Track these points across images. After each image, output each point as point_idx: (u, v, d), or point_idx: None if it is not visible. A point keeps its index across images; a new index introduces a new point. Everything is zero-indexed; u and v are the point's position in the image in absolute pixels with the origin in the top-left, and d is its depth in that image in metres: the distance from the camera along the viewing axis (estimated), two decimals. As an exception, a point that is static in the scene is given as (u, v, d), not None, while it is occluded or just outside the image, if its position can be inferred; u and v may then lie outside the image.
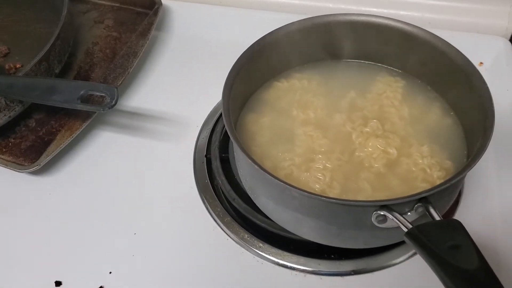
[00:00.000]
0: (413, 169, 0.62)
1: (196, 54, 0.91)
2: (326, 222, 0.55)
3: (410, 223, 0.49)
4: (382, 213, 0.51)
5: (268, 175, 0.53)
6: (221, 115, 0.79)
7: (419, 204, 0.51)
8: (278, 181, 0.52)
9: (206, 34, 0.94)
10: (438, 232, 0.46)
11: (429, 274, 0.58)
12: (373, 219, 0.52)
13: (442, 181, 0.59)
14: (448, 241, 0.45)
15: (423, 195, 0.51)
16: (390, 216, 0.50)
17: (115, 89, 0.65)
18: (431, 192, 0.51)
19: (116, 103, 0.65)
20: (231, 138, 0.57)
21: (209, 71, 0.87)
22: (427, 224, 0.48)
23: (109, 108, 0.64)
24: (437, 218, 0.49)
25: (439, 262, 0.43)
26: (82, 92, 0.66)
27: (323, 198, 0.51)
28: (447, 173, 0.61)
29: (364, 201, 0.54)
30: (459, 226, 0.46)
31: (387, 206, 0.51)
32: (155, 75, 0.88)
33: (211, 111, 0.81)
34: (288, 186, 0.52)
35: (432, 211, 0.50)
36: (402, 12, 0.91)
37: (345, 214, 0.53)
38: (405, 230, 0.48)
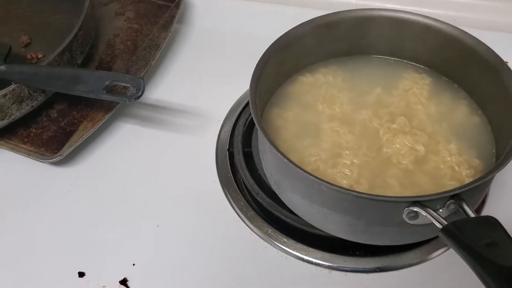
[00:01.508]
0: (441, 166, 0.61)
1: (218, 48, 0.91)
2: (355, 217, 0.55)
3: (444, 219, 0.48)
4: (414, 209, 0.50)
5: (298, 168, 0.52)
6: (243, 109, 0.79)
7: (451, 201, 0.51)
8: (308, 175, 0.52)
9: (228, 28, 0.93)
10: (475, 229, 0.45)
11: (456, 273, 0.59)
12: (404, 215, 0.51)
13: (471, 179, 0.58)
14: (485, 238, 0.44)
15: (457, 191, 0.50)
16: (423, 212, 0.50)
17: (141, 80, 0.64)
18: (465, 189, 0.50)
19: (142, 94, 0.64)
20: (260, 130, 0.56)
21: (230, 65, 0.87)
22: (462, 220, 0.47)
23: (135, 99, 0.64)
24: (472, 215, 0.48)
25: (477, 259, 0.42)
26: (107, 83, 0.66)
27: (355, 193, 0.50)
28: (475, 171, 0.60)
29: (397, 197, 0.54)
30: (495, 223, 0.45)
31: (420, 202, 0.50)
32: (176, 68, 0.87)
33: (232, 105, 0.80)
34: (319, 180, 0.51)
35: (466, 208, 0.49)
36: (425, 10, 0.91)
37: (375, 210, 0.53)
38: (440, 226, 0.47)
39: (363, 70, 0.72)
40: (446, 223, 0.47)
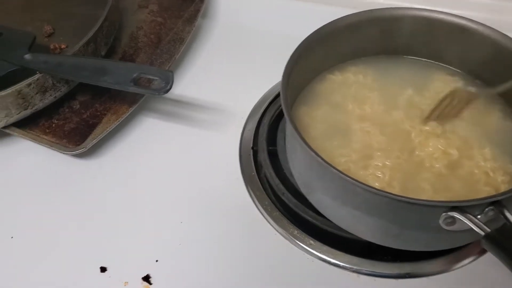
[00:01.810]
0: (475, 171, 0.59)
1: (241, 44, 0.89)
2: (389, 221, 0.53)
3: (485, 226, 0.47)
4: (453, 214, 0.48)
5: (333, 169, 0.51)
6: (268, 106, 0.77)
7: (490, 207, 0.49)
8: (344, 176, 0.50)
9: (252, 24, 0.92)
10: (521, 237, 0.44)
11: (488, 281, 0.57)
12: (441, 221, 0.50)
13: (506, 185, 0.57)
14: (532, 247, 0.42)
15: (498, 198, 0.48)
16: (463, 218, 0.48)
17: (171, 73, 0.63)
18: (507, 195, 0.48)
19: (171, 87, 0.63)
20: (292, 129, 0.55)
21: (254, 61, 0.86)
22: (506, 227, 0.45)
23: (164, 93, 0.63)
24: (515, 222, 0.47)
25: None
26: (135, 75, 0.65)
27: (393, 195, 0.49)
28: (511, 178, 0.59)
29: (436, 201, 0.52)
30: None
31: (460, 207, 0.48)
32: (199, 63, 0.86)
33: (256, 103, 0.79)
34: (356, 182, 0.50)
35: (508, 214, 0.48)
36: (455, 11, 0.88)
37: (412, 213, 0.51)
38: (482, 233, 0.46)
39: (393, 70, 0.71)
40: (488, 230, 0.46)
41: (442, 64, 0.71)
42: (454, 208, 0.49)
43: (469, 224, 0.47)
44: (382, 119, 0.65)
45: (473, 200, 0.48)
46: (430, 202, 0.50)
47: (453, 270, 0.60)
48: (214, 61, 0.86)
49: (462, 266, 0.60)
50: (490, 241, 0.44)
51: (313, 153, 0.52)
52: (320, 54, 0.68)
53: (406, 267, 0.60)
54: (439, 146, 0.61)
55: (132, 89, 0.65)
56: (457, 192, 0.58)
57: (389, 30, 0.70)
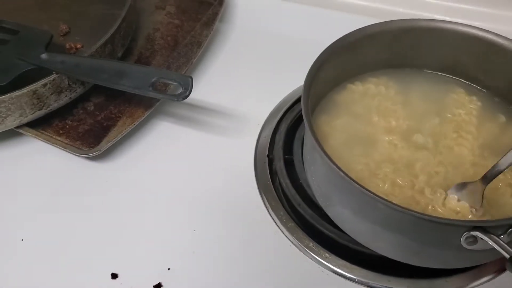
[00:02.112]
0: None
1: (259, 49, 0.88)
2: (409, 238, 0.52)
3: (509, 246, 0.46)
4: (475, 234, 0.47)
5: (355, 184, 0.50)
6: (285, 113, 0.77)
7: (513, 228, 0.48)
8: (366, 191, 0.49)
9: (270, 29, 0.91)
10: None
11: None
12: (462, 240, 0.49)
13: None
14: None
15: (522, 219, 0.47)
16: (486, 238, 0.47)
17: (190, 79, 0.62)
18: (532, 217, 0.47)
19: (190, 93, 0.62)
20: (313, 140, 0.53)
21: (271, 68, 0.85)
22: (531, 250, 0.44)
23: (183, 99, 0.62)
24: (539, 246, 0.46)
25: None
26: (154, 79, 0.64)
27: (415, 213, 0.47)
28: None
29: (458, 220, 0.51)
30: None
31: (482, 227, 0.47)
32: (216, 68, 0.85)
33: (273, 109, 0.78)
34: (377, 198, 0.49)
35: (533, 237, 0.46)
36: (476, 23, 0.87)
37: (433, 232, 0.50)
38: (507, 256, 0.45)
39: (415, 84, 0.69)
40: (513, 252, 0.45)
41: (463, 81, 0.70)
42: (477, 228, 0.47)
43: (493, 245, 0.46)
44: (406, 134, 0.63)
45: (496, 220, 0.48)
46: (452, 221, 0.49)
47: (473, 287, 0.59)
48: (231, 66, 0.85)
49: (480, 284, 0.59)
50: (517, 264, 0.43)
51: (334, 167, 0.51)
52: (342, 64, 0.67)
53: (422, 284, 0.59)
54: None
55: (152, 94, 0.64)
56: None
57: (411, 42, 0.68)
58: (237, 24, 0.92)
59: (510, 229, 0.48)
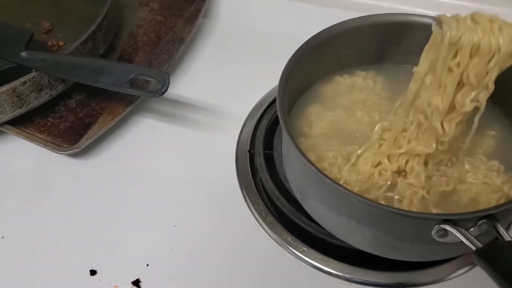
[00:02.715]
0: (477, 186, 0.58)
1: (242, 45, 0.88)
2: (383, 232, 0.53)
3: (477, 240, 0.46)
4: (445, 227, 0.48)
5: (328, 179, 0.50)
6: (266, 109, 0.77)
7: (484, 220, 0.49)
8: (339, 186, 0.50)
9: (254, 24, 0.91)
10: (512, 253, 0.43)
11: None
12: (433, 233, 0.49)
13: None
14: (524, 264, 0.42)
15: (492, 211, 0.48)
16: (454, 231, 0.47)
17: (167, 75, 0.63)
18: (500, 209, 0.48)
19: (167, 90, 0.62)
20: (287, 136, 0.54)
21: (254, 63, 0.85)
22: (498, 243, 0.45)
23: (159, 95, 0.62)
24: (508, 237, 0.46)
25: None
26: (131, 76, 0.64)
27: (387, 208, 0.48)
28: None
29: (429, 214, 0.52)
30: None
31: (452, 220, 0.48)
32: (198, 64, 0.85)
33: (255, 105, 0.78)
34: (350, 193, 0.49)
35: (500, 229, 0.47)
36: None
37: (406, 225, 0.51)
38: (473, 247, 0.45)
39: (403, 79, 0.68)
40: (480, 245, 0.45)
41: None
42: (447, 221, 0.48)
43: (461, 238, 0.47)
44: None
45: (465, 213, 0.48)
46: (422, 215, 0.50)
47: (446, 280, 0.60)
48: (214, 62, 0.86)
49: (455, 276, 0.60)
50: (482, 257, 0.44)
51: (307, 162, 0.52)
52: (323, 58, 0.67)
53: (399, 277, 0.59)
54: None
55: (129, 90, 0.64)
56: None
57: (394, 36, 0.68)
58: (221, 19, 0.93)
59: (480, 222, 0.49)
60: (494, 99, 0.59)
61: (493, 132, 0.63)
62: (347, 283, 0.59)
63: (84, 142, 0.68)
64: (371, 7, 0.92)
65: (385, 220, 0.51)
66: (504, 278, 0.41)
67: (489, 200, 0.57)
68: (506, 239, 0.47)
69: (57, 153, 0.69)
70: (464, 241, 0.47)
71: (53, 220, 0.65)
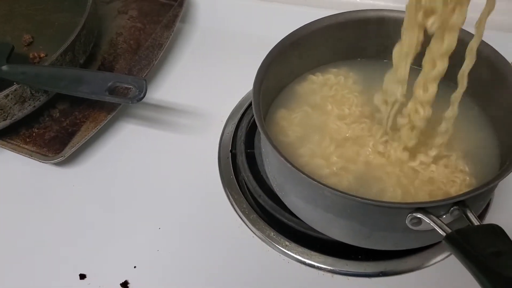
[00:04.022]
0: (444, 173, 0.60)
1: (221, 47, 0.90)
2: (358, 223, 0.54)
3: (447, 226, 0.48)
4: (417, 215, 0.50)
5: (301, 173, 0.52)
6: (246, 109, 0.78)
7: (455, 207, 0.50)
8: (311, 180, 0.51)
9: (232, 27, 0.92)
10: (480, 237, 0.45)
11: (459, 279, 0.58)
12: (407, 222, 0.51)
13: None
14: (490, 247, 0.43)
15: (461, 198, 0.49)
16: (426, 219, 0.49)
17: (144, 81, 0.64)
18: (469, 196, 0.50)
19: (144, 95, 0.64)
20: (262, 133, 0.56)
21: (234, 64, 0.86)
22: (466, 228, 0.47)
23: (137, 101, 0.64)
24: (476, 222, 0.48)
25: (482, 269, 0.42)
26: (110, 84, 0.66)
27: (359, 198, 0.50)
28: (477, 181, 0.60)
29: (401, 203, 0.53)
30: (500, 232, 0.44)
31: (423, 208, 0.50)
32: (179, 68, 0.87)
33: (236, 105, 0.80)
34: (322, 186, 0.51)
35: (470, 215, 0.49)
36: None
37: (379, 215, 0.52)
38: (443, 234, 0.47)
39: (376, 73, 0.70)
40: (449, 230, 0.47)
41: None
42: (419, 209, 0.50)
43: (432, 225, 0.48)
44: (360, 121, 0.65)
45: (435, 201, 0.49)
46: (394, 204, 0.51)
47: (426, 267, 0.61)
48: (194, 65, 0.87)
49: (435, 263, 0.61)
50: (450, 242, 0.45)
51: (281, 158, 0.53)
52: (296, 58, 0.69)
53: (380, 266, 0.61)
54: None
55: (108, 98, 0.66)
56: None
57: (368, 32, 0.70)
58: (199, 24, 0.94)
59: (452, 209, 0.50)
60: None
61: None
62: (329, 274, 0.61)
63: (68, 150, 0.70)
64: (347, 4, 0.93)
65: (359, 211, 0.53)
66: (471, 261, 0.43)
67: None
68: (475, 224, 0.48)
69: (42, 162, 0.70)
70: (435, 228, 0.49)
71: (41, 228, 0.67)
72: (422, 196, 0.57)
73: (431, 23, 0.51)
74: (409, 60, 0.55)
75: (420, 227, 0.51)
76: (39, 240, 0.66)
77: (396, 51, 0.57)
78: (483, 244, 0.44)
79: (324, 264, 0.61)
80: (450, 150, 0.61)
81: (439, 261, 0.62)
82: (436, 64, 0.53)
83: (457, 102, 0.55)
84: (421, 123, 0.57)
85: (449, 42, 0.51)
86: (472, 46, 0.51)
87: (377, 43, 0.72)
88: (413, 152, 0.60)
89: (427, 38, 0.54)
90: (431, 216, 0.49)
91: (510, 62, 0.61)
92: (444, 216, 0.51)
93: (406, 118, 0.58)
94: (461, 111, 0.61)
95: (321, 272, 0.61)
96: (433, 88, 0.55)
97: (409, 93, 0.59)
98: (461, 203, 0.50)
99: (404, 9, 0.62)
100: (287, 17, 0.91)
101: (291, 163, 0.53)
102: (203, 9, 0.95)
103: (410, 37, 0.54)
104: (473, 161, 0.61)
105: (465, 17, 0.50)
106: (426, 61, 0.55)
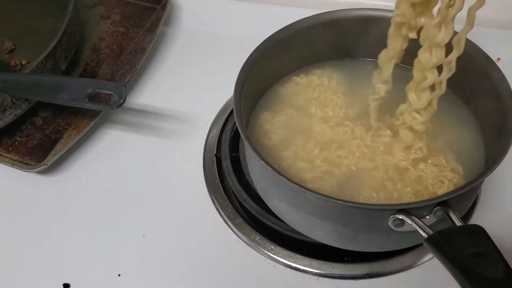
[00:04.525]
0: (430, 173, 0.60)
1: (205, 50, 0.89)
2: (342, 225, 0.54)
3: (429, 227, 0.47)
4: (400, 217, 0.49)
5: (282, 177, 0.51)
6: (231, 112, 0.78)
7: (438, 208, 0.50)
8: (292, 183, 0.51)
9: (215, 29, 0.92)
10: (460, 238, 0.45)
11: (445, 279, 0.58)
12: (390, 223, 0.51)
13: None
14: (471, 248, 0.43)
15: (443, 198, 0.49)
16: (408, 220, 0.49)
17: (123, 87, 0.63)
18: (451, 196, 0.49)
19: (124, 101, 0.63)
20: (243, 138, 0.55)
21: (218, 67, 0.86)
22: (448, 229, 0.46)
23: (117, 107, 0.63)
24: (458, 223, 0.48)
25: (462, 270, 0.42)
26: (89, 90, 0.65)
27: (340, 201, 0.49)
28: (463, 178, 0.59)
29: (382, 205, 0.53)
30: (482, 232, 0.44)
31: (405, 210, 0.49)
32: (162, 72, 0.86)
33: (220, 109, 0.79)
34: (304, 189, 0.50)
35: (452, 215, 0.49)
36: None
37: (362, 217, 0.52)
38: (425, 235, 0.47)
39: (360, 74, 0.70)
40: (431, 232, 0.47)
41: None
42: (401, 211, 0.49)
43: (413, 226, 0.48)
44: (343, 122, 0.65)
45: (417, 202, 0.49)
46: (376, 206, 0.51)
47: (412, 268, 0.61)
48: (177, 69, 0.86)
49: (421, 264, 0.61)
50: (431, 244, 0.45)
51: (262, 161, 0.53)
52: (279, 59, 0.68)
53: (365, 268, 0.61)
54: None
55: (88, 105, 0.65)
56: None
57: (352, 32, 0.69)
58: (182, 27, 0.93)
59: (435, 209, 0.50)
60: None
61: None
62: (315, 277, 0.61)
63: (50, 158, 0.69)
64: (331, 3, 0.93)
65: (341, 214, 0.52)
66: (451, 262, 0.43)
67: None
68: (457, 225, 0.48)
69: (25, 171, 0.70)
70: (417, 228, 0.48)
71: (24, 237, 0.66)
72: (408, 198, 0.56)
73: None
74: (393, 63, 0.57)
75: (403, 229, 0.51)
76: (22, 249, 0.65)
77: (382, 54, 0.58)
78: (464, 245, 0.44)
79: (310, 267, 0.61)
80: (437, 148, 0.61)
81: (425, 262, 0.61)
82: (426, 76, 0.55)
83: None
84: (421, 127, 0.59)
85: (437, 57, 0.53)
86: (461, 36, 0.51)
87: (361, 43, 0.71)
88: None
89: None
90: (413, 217, 0.49)
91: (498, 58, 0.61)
92: (428, 217, 0.50)
93: (400, 120, 0.60)
94: (448, 111, 0.62)
95: (307, 276, 0.61)
96: (426, 97, 0.56)
97: (394, 90, 0.60)
98: (444, 203, 0.50)
99: (388, 8, 0.63)
100: (272, 18, 0.89)
101: (272, 167, 0.52)
102: (186, 12, 0.94)
103: (394, 45, 0.56)
104: (462, 160, 0.61)
105: (451, 34, 0.51)
106: (416, 70, 0.56)
